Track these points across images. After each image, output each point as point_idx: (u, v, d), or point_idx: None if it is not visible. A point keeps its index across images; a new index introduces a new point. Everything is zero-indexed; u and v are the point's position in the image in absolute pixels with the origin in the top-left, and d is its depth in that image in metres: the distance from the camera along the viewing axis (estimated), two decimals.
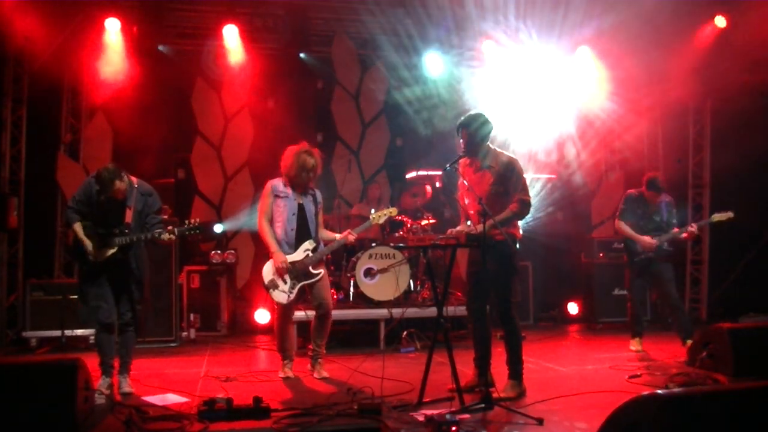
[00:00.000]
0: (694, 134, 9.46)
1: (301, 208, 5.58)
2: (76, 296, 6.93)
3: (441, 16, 8.58)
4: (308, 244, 5.55)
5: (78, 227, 4.98)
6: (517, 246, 5.01)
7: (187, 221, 5.13)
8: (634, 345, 6.67)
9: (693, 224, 6.53)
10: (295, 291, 5.48)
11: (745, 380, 4.61)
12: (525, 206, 4.84)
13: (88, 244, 4.96)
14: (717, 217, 6.45)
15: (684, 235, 6.48)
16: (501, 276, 4.82)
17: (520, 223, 5.07)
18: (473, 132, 4.88)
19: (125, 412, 4.21)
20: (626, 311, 8.45)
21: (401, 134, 9.71)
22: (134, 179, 5.11)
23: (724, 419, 2.65)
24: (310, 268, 5.52)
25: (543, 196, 9.24)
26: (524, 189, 4.86)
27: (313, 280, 5.53)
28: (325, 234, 5.78)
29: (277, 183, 5.62)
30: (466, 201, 5.04)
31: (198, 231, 5.11)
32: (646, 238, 6.45)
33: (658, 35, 8.24)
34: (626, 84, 9.00)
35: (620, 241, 8.91)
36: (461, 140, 4.95)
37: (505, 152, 5.00)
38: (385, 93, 9.54)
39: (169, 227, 5.05)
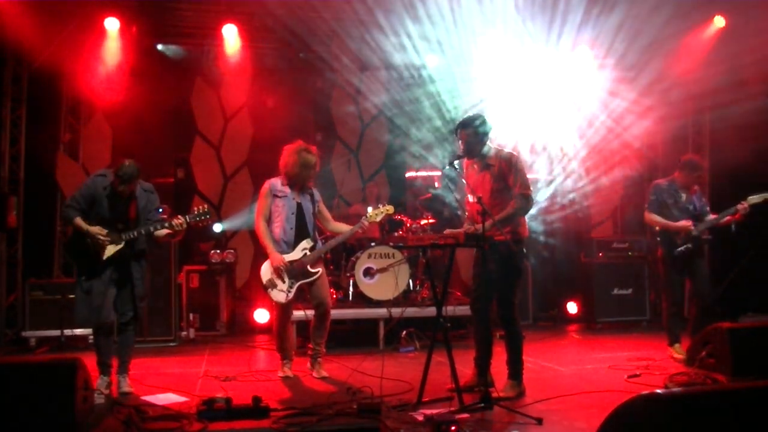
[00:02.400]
0: (693, 134, 9.46)
1: (299, 207, 5.58)
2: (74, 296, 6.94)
3: (440, 15, 8.57)
4: (306, 243, 5.54)
5: (80, 221, 4.95)
6: (524, 249, 4.97)
7: (195, 208, 5.14)
8: (676, 352, 6.03)
9: (742, 203, 5.95)
10: (293, 290, 5.48)
11: (744, 380, 4.60)
12: (526, 201, 4.83)
13: (97, 230, 4.92)
14: (752, 199, 5.97)
15: (728, 217, 6.01)
16: (502, 277, 4.81)
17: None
18: (472, 133, 4.88)
19: (125, 412, 4.21)
20: (627, 311, 8.52)
21: (401, 134, 9.71)
22: None
23: (724, 419, 2.65)
24: (308, 267, 5.51)
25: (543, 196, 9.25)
26: (525, 184, 4.84)
27: (311, 279, 5.52)
28: (340, 227, 5.79)
29: (276, 182, 5.62)
30: (471, 199, 5.03)
31: (207, 216, 5.11)
32: (681, 222, 6.02)
33: (657, 35, 8.24)
34: (625, 84, 9.00)
35: (622, 240, 8.98)
36: (460, 141, 4.95)
37: (506, 149, 5.00)
38: (384, 92, 9.54)
39: (178, 216, 5.05)
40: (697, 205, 6.22)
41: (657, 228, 6.27)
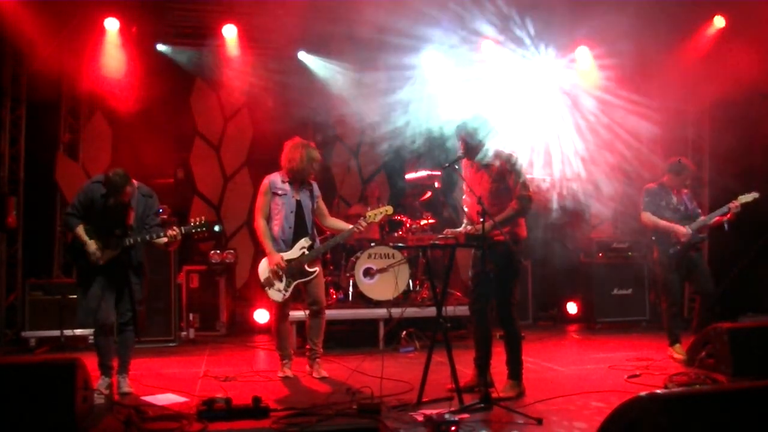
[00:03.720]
0: (693, 134, 9.46)
1: (299, 205, 5.58)
2: (76, 296, 6.94)
3: (440, 15, 8.56)
4: (304, 242, 5.54)
5: (81, 230, 4.99)
6: (520, 250, 4.98)
7: (193, 220, 5.13)
8: (676, 352, 6.02)
9: (734, 202, 6.02)
10: (290, 289, 5.48)
11: (744, 380, 4.60)
12: (526, 202, 4.84)
13: (92, 245, 4.95)
14: (743, 198, 6.05)
15: (717, 218, 6.09)
16: (501, 277, 4.81)
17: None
18: (472, 134, 4.88)
19: (124, 412, 4.21)
20: (627, 311, 8.51)
21: (401, 134, 9.69)
22: (134, 181, 5.13)
23: (724, 419, 2.65)
24: (306, 266, 5.51)
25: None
26: (524, 185, 4.85)
27: (308, 278, 5.52)
28: (337, 223, 5.79)
29: (275, 179, 5.60)
30: (468, 201, 5.03)
31: (204, 228, 5.11)
32: (678, 227, 6.09)
33: (657, 35, 8.23)
34: (625, 84, 9.00)
35: (622, 241, 8.98)
36: (460, 142, 4.95)
37: (505, 150, 5.00)
38: (384, 93, 9.53)
39: (175, 226, 5.07)
40: (688, 206, 6.29)
41: (653, 228, 6.29)
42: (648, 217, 6.28)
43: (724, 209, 6.09)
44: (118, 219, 5.00)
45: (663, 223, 6.20)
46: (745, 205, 6.07)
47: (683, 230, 6.10)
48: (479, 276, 4.91)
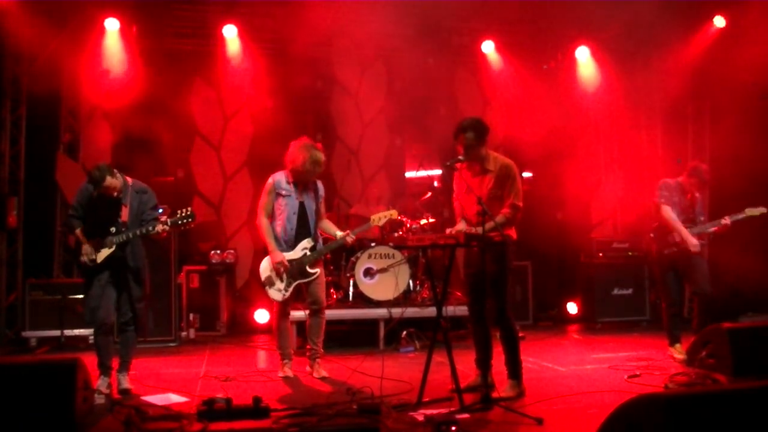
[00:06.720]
0: (693, 134, 9.46)
1: (302, 206, 5.58)
2: (76, 296, 6.96)
3: (440, 15, 8.57)
4: (306, 243, 5.54)
5: (80, 232, 5.03)
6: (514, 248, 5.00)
7: (179, 211, 5.10)
8: (677, 352, 5.99)
9: (726, 217, 6.01)
10: (290, 289, 5.49)
11: (744, 380, 4.60)
12: (516, 211, 4.86)
13: (87, 247, 4.97)
14: (750, 211, 6.02)
15: (714, 228, 6.07)
16: (498, 277, 4.81)
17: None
18: (471, 136, 4.87)
19: (124, 412, 4.21)
20: (627, 311, 8.51)
21: (401, 134, 9.69)
22: (128, 179, 5.14)
23: (724, 419, 2.65)
24: (307, 267, 5.52)
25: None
26: (518, 195, 4.86)
27: (309, 279, 5.53)
28: (329, 226, 5.78)
29: (280, 179, 5.60)
30: (464, 202, 5.03)
31: (190, 219, 5.06)
32: (692, 239, 5.92)
33: (657, 35, 8.24)
34: (626, 84, 9.00)
35: (622, 241, 8.96)
36: (460, 144, 4.95)
37: (503, 156, 5.01)
38: (384, 92, 9.53)
39: (162, 218, 5.08)
40: (696, 211, 6.26)
41: (670, 227, 6.11)
42: (668, 212, 6.08)
43: (716, 223, 6.09)
44: (113, 216, 5.01)
45: (679, 225, 6.03)
46: (750, 218, 6.06)
47: (694, 242, 5.94)
48: (477, 276, 4.91)
